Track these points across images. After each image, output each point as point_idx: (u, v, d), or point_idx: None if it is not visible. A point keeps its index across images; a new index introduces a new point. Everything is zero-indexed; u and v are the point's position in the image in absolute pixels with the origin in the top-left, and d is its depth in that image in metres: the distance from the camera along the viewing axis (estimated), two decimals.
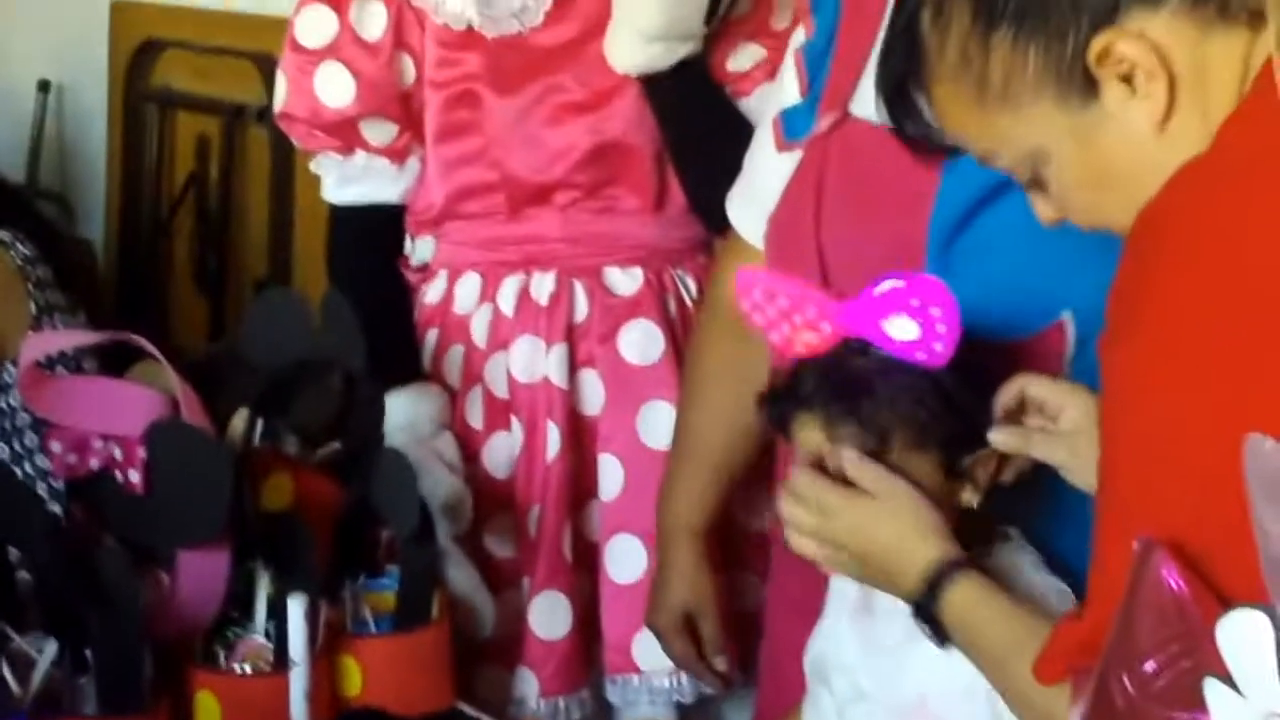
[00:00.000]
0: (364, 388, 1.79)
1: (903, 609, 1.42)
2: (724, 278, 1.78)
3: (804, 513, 1.41)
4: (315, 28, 2.01)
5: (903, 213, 1.53)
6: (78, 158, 3.98)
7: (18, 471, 2.14)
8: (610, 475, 2.00)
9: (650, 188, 2.03)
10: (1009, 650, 1.27)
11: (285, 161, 3.35)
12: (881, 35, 1.35)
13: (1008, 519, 1.47)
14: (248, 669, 1.61)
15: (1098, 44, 1.14)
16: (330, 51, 2.00)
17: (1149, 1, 1.13)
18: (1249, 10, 1.13)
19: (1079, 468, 1.40)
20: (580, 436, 2.02)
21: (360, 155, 2.04)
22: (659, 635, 1.90)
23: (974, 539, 1.41)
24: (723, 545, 1.90)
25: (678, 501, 1.87)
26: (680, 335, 2.03)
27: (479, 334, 2.05)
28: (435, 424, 2.00)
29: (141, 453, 1.60)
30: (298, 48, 2.02)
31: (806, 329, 1.43)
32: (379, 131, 2.03)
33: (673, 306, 2.05)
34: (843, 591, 1.54)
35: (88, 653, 1.54)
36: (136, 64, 3.75)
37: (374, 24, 2.00)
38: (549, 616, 2.00)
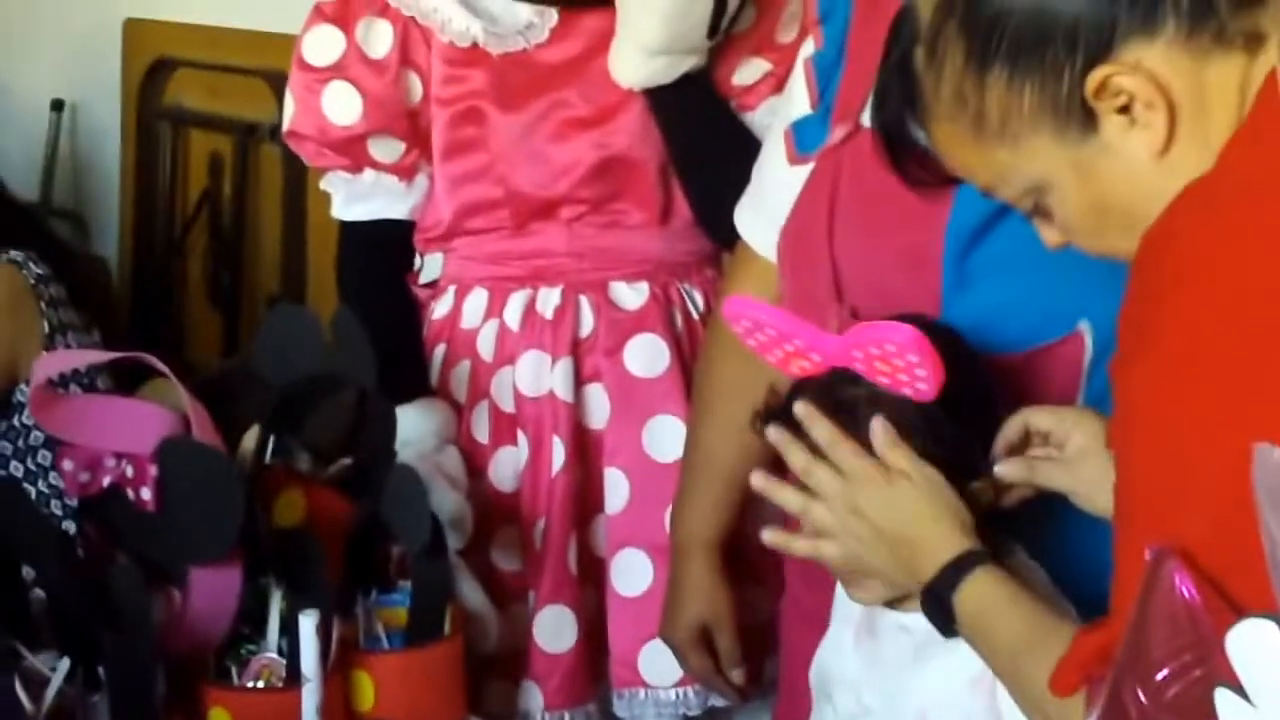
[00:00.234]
0: (375, 403, 1.80)
1: (906, 626, 1.41)
2: (733, 290, 1.78)
3: (828, 475, 1.39)
4: (322, 47, 2.02)
5: (917, 225, 1.53)
6: (92, 176, 4.00)
7: (31, 490, 2.15)
8: (616, 489, 2.00)
9: (656, 202, 2.04)
10: (1023, 648, 1.26)
11: (298, 178, 3.35)
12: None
13: (1013, 538, 1.47)
14: (260, 685, 1.62)
15: (1095, 78, 1.14)
16: (337, 70, 2.01)
17: (1144, 32, 1.13)
18: (1245, 35, 1.13)
19: (1084, 492, 1.40)
20: (586, 450, 2.02)
21: (368, 173, 2.04)
22: (675, 650, 1.90)
23: None
24: (734, 558, 1.90)
25: (691, 516, 1.87)
26: (686, 349, 2.03)
27: (485, 349, 2.05)
28: (440, 439, 2.00)
29: (153, 470, 1.60)
30: (305, 66, 2.03)
31: (798, 356, 1.43)
32: (386, 149, 2.03)
33: (679, 320, 2.05)
34: (846, 606, 1.53)
35: (100, 670, 1.55)
36: (149, 82, 3.77)
37: (380, 42, 2.01)
38: (554, 630, 2.00)
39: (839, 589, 1.56)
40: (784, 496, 1.44)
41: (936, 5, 1.20)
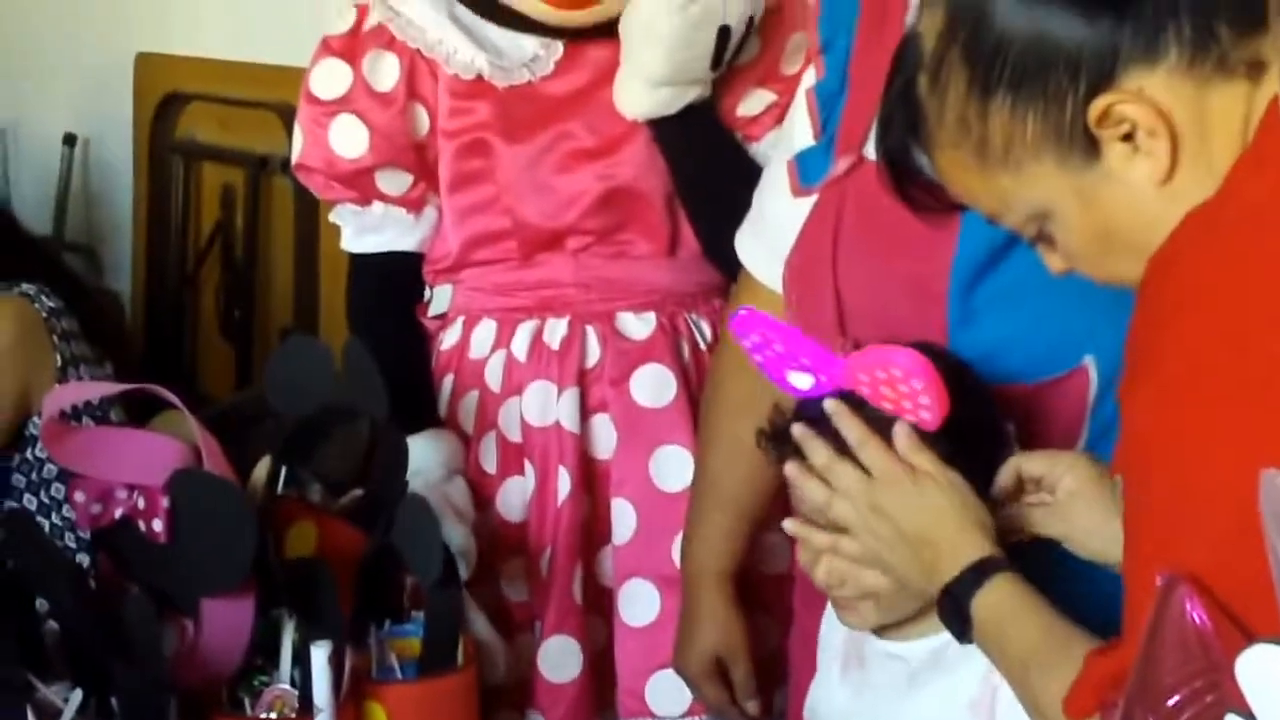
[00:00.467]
0: (386, 434, 1.80)
1: (896, 654, 1.41)
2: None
3: (853, 472, 1.39)
4: (330, 80, 2.02)
5: (923, 257, 1.53)
6: (104, 210, 4.01)
7: (45, 523, 2.16)
8: (623, 519, 2.00)
9: (663, 232, 2.04)
10: (1036, 659, 1.26)
11: (309, 210, 3.36)
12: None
13: None
14: (273, 716, 1.61)
15: (1097, 106, 1.14)
16: (344, 103, 2.01)
17: (1146, 60, 1.13)
18: (1247, 63, 1.13)
19: (1076, 536, 1.40)
20: (593, 481, 2.02)
21: (377, 205, 2.05)
22: (690, 682, 1.89)
23: None
24: (742, 588, 1.90)
25: (701, 546, 1.86)
26: (694, 379, 2.03)
27: (493, 379, 2.05)
28: (447, 470, 2.00)
29: (165, 502, 1.61)
30: (313, 100, 2.04)
31: (803, 373, 1.43)
32: (394, 181, 2.04)
33: (686, 350, 2.05)
34: (831, 639, 1.53)
35: (113, 702, 1.55)
36: (161, 116, 3.78)
37: (387, 75, 2.01)
38: (559, 660, 2.00)
39: (824, 621, 1.56)
40: (809, 488, 1.42)
41: (939, 32, 1.21)
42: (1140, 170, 1.15)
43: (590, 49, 2.00)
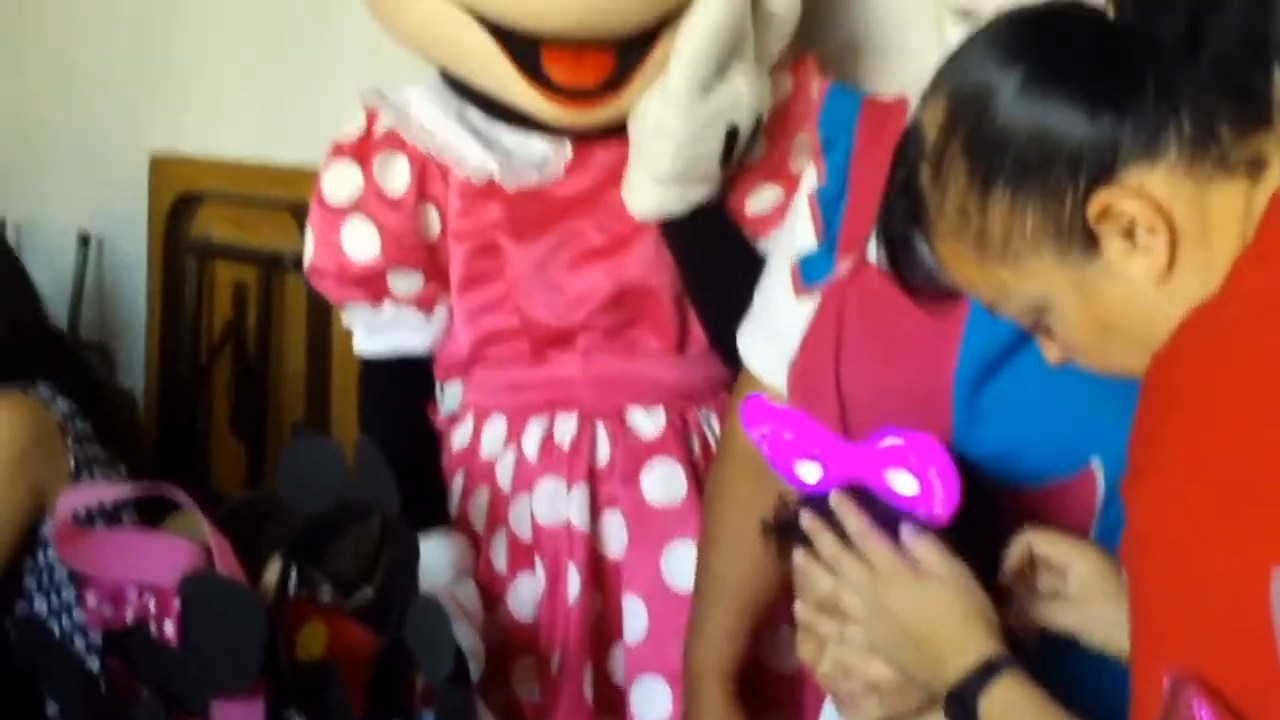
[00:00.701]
0: (398, 532, 1.80)
1: None
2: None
3: (858, 566, 1.38)
4: (341, 183, 2.04)
5: (926, 360, 1.52)
6: (118, 308, 4.03)
7: (56, 627, 2.15)
8: (634, 617, 1.99)
9: (672, 329, 2.05)
10: None
11: (321, 308, 3.36)
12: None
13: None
14: None
15: (1097, 202, 1.15)
16: (355, 207, 2.03)
17: (1146, 157, 1.14)
18: (1247, 161, 1.14)
19: (1091, 630, 1.39)
20: (604, 578, 2.01)
21: (389, 306, 2.06)
22: None
23: None
24: (749, 686, 1.88)
25: (704, 645, 1.84)
26: (704, 475, 2.01)
27: (504, 477, 2.05)
28: (456, 570, 2.00)
29: (176, 604, 1.61)
30: (324, 203, 2.05)
31: (811, 463, 1.43)
32: (405, 282, 2.05)
33: (696, 446, 2.05)
34: None
35: None
36: (175, 216, 3.80)
37: (398, 178, 2.03)
38: None
39: (823, 717, 1.55)
40: (817, 578, 1.42)
41: (941, 125, 1.22)
42: (1139, 266, 1.16)
43: (598, 149, 2.02)
